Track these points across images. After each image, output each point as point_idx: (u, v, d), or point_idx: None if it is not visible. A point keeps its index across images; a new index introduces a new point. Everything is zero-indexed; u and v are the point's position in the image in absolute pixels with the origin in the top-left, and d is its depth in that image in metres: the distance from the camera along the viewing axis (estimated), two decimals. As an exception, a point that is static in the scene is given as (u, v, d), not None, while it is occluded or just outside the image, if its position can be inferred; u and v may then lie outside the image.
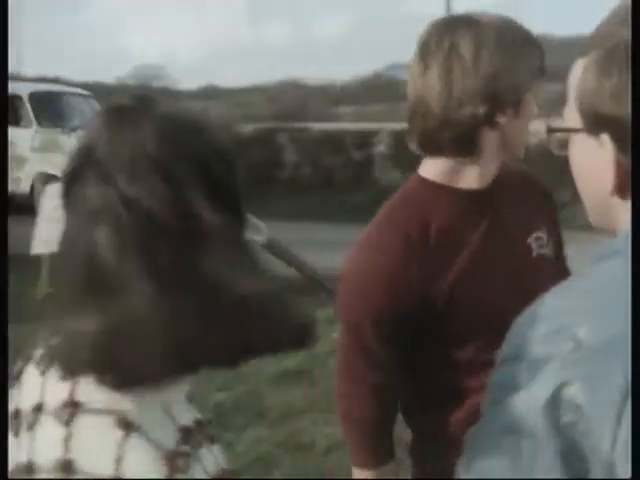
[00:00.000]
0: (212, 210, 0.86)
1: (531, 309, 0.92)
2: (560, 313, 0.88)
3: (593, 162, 0.95)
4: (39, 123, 12.95)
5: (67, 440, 0.86)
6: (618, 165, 0.91)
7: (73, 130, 13.03)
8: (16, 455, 0.90)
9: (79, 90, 14.38)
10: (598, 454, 0.81)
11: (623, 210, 0.93)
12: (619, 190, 0.92)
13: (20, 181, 12.48)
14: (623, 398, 0.81)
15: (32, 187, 12.60)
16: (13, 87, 12.55)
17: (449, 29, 1.48)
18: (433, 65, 1.47)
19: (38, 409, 0.90)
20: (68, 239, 0.88)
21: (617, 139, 0.91)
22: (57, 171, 13.50)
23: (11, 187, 11.76)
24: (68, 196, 0.90)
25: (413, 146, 1.56)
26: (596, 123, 0.93)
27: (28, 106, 13.12)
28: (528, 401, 0.84)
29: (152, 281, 0.82)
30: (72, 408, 0.86)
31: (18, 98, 13.01)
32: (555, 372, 0.83)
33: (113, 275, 0.82)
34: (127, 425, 0.84)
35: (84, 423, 0.85)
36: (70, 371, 0.85)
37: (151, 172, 0.84)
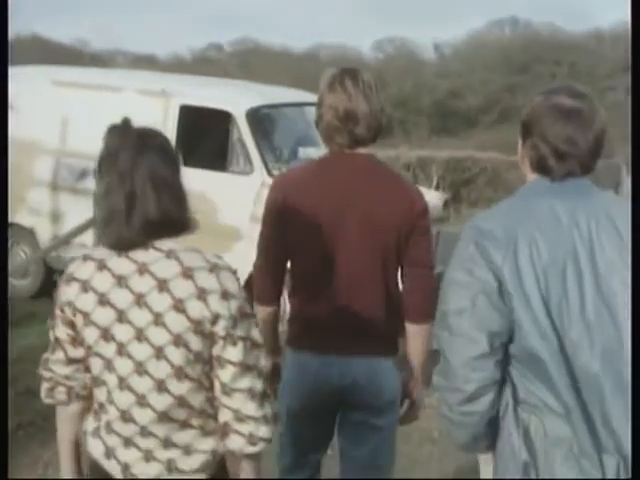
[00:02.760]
0: None
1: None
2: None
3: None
4: (268, 168, 6.29)
5: None
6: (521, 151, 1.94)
7: None
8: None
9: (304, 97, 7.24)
10: (498, 277, 1.74)
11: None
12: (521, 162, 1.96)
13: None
14: (508, 244, 1.74)
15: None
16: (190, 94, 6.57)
17: (349, 73, 2.51)
18: (357, 93, 2.48)
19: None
20: None
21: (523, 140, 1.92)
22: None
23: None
24: None
25: (342, 142, 2.49)
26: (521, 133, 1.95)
27: (249, 137, 6.34)
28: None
29: None
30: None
31: (226, 117, 6.41)
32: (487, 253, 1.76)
33: None
34: None
35: None
36: None
37: None
